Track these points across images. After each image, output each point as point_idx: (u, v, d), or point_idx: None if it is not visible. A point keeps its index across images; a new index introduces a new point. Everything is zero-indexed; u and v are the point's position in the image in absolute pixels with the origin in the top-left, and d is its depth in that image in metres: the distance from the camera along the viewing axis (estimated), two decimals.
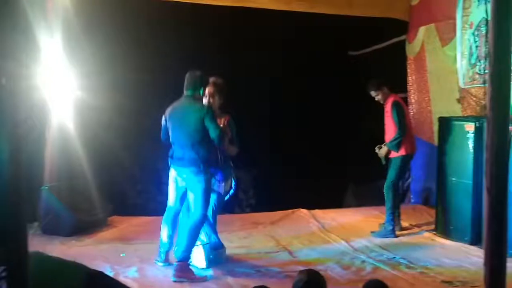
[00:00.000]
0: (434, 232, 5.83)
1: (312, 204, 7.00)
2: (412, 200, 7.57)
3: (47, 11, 5.88)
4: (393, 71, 7.04)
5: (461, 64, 6.40)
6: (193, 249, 4.55)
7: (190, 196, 4.56)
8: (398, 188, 6.01)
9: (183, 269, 4.40)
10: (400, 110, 5.78)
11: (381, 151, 5.87)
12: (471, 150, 5.35)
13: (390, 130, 5.83)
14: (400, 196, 6.39)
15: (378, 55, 7.64)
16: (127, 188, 7.15)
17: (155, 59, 6.71)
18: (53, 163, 6.11)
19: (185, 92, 4.59)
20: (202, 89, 4.60)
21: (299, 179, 7.45)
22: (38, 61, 5.53)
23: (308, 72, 7.59)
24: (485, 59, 5.72)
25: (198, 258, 4.69)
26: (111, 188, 6.63)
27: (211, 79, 4.75)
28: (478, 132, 5.27)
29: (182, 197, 4.71)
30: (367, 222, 6.38)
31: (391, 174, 5.82)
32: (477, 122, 5.33)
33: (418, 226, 6.21)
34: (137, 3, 6.69)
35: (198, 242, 4.66)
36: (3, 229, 1.95)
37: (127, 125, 6.65)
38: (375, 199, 6.89)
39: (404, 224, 6.14)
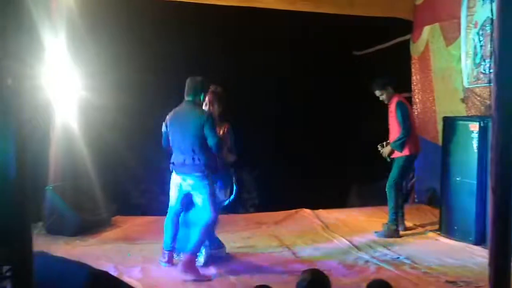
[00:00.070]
0: (438, 232, 5.82)
1: (315, 204, 7.00)
2: (416, 200, 7.55)
3: (52, 11, 5.89)
4: (397, 71, 7.02)
5: (466, 64, 6.38)
6: (202, 247, 4.61)
7: (198, 200, 4.60)
8: (401, 188, 5.99)
9: (190, 265, 4.44)
10: (404, 110, 5.77)
11: (385, 150, 5.85)
12: (476, 150, 5.33)
13: (394, 130, 5.82)
14: (404, 196, 6.37)
15: (382, 55, 7.62)
16: (130, 188, 7.17)
17: (160, 59, 6.72)
18: (58, 163, 6.12)
19: (186, 98, 4.64)
20: (202, 94, 4.66)
21: (303, 179, 7.45)
22: (43, 61, 5.55)
23: (312, 72, 7.58)
24: (490, 59, 5.70)
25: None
26: (115, 188, 6.64)
27: (211, 88, 4.81)
28: (482, 131, 5.26)
29: (183, 199, 4.76)
30: (371, 222, 6.37)
31: (394, 173, 5.80)
32: (481, 122, 5.31)
33: (422, 226, 6.20)
34: (142, 3, 6.70)
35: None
36: (8, 229, 1.96)
37: (131, 125, 6.66)
38: (378, 199, 6.86)
39: (408, 224, 6.13)
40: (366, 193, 7.75)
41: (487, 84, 5.84)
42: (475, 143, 5.34)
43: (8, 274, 1.96)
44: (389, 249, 5.27)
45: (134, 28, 6.61)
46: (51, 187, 5.85)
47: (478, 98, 6.20)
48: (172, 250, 4.77)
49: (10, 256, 1.95)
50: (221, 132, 4.76)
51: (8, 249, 1.96)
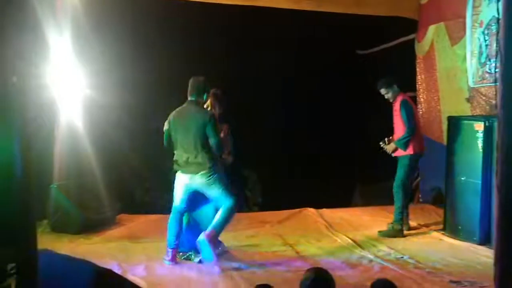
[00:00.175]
0: (443, 232, 5.81)
1: (319, 203, 6.99)
2: (421, 200, 7.54)
3: (56, 10, 5.90)
4: (402, 70, 7.01)
5: (471, 63, 6.36)
6: (223, 229, 4.75)
7: (213, 193, 4.71)
8: (408, 188, 5.99)
9: (213, 238, 4.62)
10: (409, 109, 5.76)
11: (389, 147, 5.84)
12: (480, 150, 5.31)
13: (399, 129, 5.81)
14: (408, 196, 6.36)
15: (387, 54, 7.61)
16: (135, 186, 7.18)
17: (164, 58, 6.72)
18: (62, 161, 6.14)
19: (189, 97, 4.75)
20: (205, 94, 4.78)
21: (307, 178, 7.44)
22: (47, 60, 5.56)
23: (316, 72, 7.57)
24: (496, 58, 5.68)
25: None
26: (119, 186, 6.66)
27: (211, 90, 4.92)
28: (487, 131, 5.24)
29: (189, 198, 4.80)
30: (375, 221, 6.36)
31: (400, 173, 5.79)
32: (486, 122, 5.30)
33: (426, 225, 6.18)
34: (146, 2, 6.70)
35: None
36: (13, 227, 1.96)
37: (135, 124, 6.67)
38: (382, 199, 6.86)
39: (413, 223, 6.11)
40: (370, 193, 7.74)
41: (493, 84, 5.81)
42: (480, 143, 5.32)
43: (13, 272, 1.97)
44: (393, 249, 5.26)
45: (138, 27, 6.62)
46: (55, 185, 5.87)
47: (483, 98, 6.17)
48: (175, 248, 4.79)
49: (15, 254, 1.96)
50: (221, 134, 4.84)
51: (13, 247, 1.96)
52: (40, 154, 5.48)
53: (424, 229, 6.07)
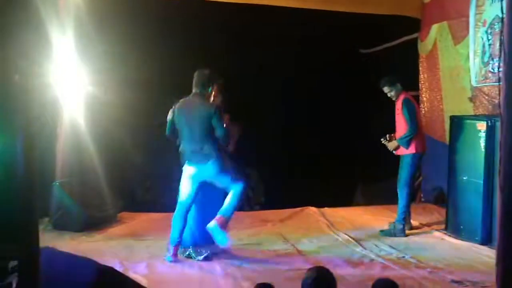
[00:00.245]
0: (444, 232, 5.80)
1: (321, 202, 6.99)
2: (423, 199, 7.53)
3: (59, 9, 5.91)
4: (405, 69, 6.99)
5: (474, 63, 6.35)
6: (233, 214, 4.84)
7: (223, 181, 4.80)
8: (411, 187, 5.98)
9: (224, 223, 4.70)
10: (411, 108, 5.75)
11: (390, 144, 5.84)
12: (483, 149, 5.30)
13: (401, 128, 5.80)
14: (411, 195, 6.36)
15: (390, 53, 7.59)
16: (137, 184, 7.18)
17: (166, 56, 6.72)
18: (65, 159, 6.15)
19: (194, 90, 4.81)
20: (210, 87, 4.83)
21: (309, 177, 7.43)
22: (50, 59, 5.57)
23: (318, 70, 7.55)
24: (499, 57, 5.67)
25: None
26: (121, 184, 6.66)
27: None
28: (490, 131, 5.23)
29: (196, 193, 4.83)
30: (377, 220, 6.36)
31: (403, 173, 5.78)
32: (489, 121, 5.29)
33: (428, 225, 6.17)
34: (148, 0, 6.70)
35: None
36: (15, 225, 1.97)
37: (138, 122, 6.67)
38: (384, 198, 6.86)
39: (414, 223, 6.11)
40: (371, 192, 7.73)
41: (496, 83, 5.80)
42: (482, 143, 5.31)
43: (15, 269, 1.97)
44: (395, 248, 5.26)
45: (140, 26, 6.61)
46: (58, 183, 5.88)
47: (486, 97, 6.16)
48: (178, 245, 4.80)
49: (17, 252, 1.96)
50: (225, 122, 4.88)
51: (15, 245, 1.97)
52: (43, 152, 5.50)
53: (426, 228, 6.06)
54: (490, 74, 6.08)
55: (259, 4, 6.79)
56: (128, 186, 6.96)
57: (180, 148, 4.85)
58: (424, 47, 7.52)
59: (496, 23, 5.87)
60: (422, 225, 6.16)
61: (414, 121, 5.71)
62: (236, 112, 5.12)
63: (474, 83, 6.39)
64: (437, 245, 5.46)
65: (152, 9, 6.64)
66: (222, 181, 4.81)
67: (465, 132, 5.59)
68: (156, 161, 6.82)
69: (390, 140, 5.85)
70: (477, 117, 5.74)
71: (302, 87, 7.58)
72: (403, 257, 5.01)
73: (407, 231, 5.78)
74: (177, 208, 4.86)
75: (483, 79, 6.23)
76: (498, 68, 5.75)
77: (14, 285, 1.98)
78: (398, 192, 5.79)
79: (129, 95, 6.41)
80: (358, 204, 7.54)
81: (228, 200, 4.79)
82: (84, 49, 6.08)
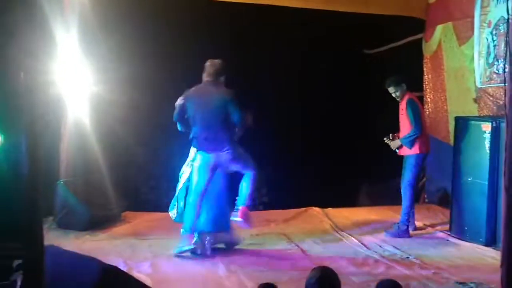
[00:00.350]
0: (449, 233, 5.78)
1: (325, 202, 6.98)
2: (427, 200, 7.51)
3: (64, 6, 5.92)
4: (409, 70, 6.97)
5: (479, 63, 6.33)
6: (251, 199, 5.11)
7: (237, 167, 4.96)
8: (415, 188, 5.98)
9: (246, 214, 4.97)
10: (416, 108, 5.74)
11: (393, 143, 5.83)
12: (488, 150, 5.29)
13: (405, 128, 5.79)
14: (415, 196, 6.34)
15: (394, 54, 7.57)
16: (141, 184, 7.19)
17: (172, 55, 6.71)
18: (69, 158, 6.16)
19: (207, 78, 4.88)
20: (223, 76, 4.92)
21: (313, 177, 7.42)
22: (55, 57, 5.58)
23: (323, 71, 7.53)
24: (504, 59, 5.65)
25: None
26: (125, 183, 6.67)
27: None
28: (495, 132, 5.22)
29: (210, 179, 4.92)
30: (380, 221, 6.35)
31: (407, 174, 5.77)
32: (494, 122, 5.27)
33: (432, 226, 6.16)
34: None
35: None
36: (20, 224, 1.97)
37: (142, 121, 6.67)
38: (388, 199, 6.84)
39: (418, 224, 6.09)
40: (375, 193, 7.71)
41: (500, 84, 5.78)
42: (487, 144, 5.30)
43: (19, 267, 1.98)
44: (399, 249, 5.25)
45: (146, 24, 6.61)
46: (62, 182, 5.89)
47: (491, 98, 6.14)
48: (193, 233, 4.86)
49: (21, 251, 1.97)
50: None
51: (19, 244, 1.97)
52: (48, 151, 5.50)
53: (430, 229, 6.05)
54: (495, 75, 6.06)
55: (265, 4, 6.79)
56: (132, 185, 6.96)
57: (192, 134, 4.89)
58: (428, 48, 7.50)
59: (501, 24, 5.86)
60: (426, 226, 6.15)
61: (418, 121, 5.70)
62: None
63: (478, 84, 6.37)
64: (441, 246, 5.44)
65: (157, 8, 6.64)
66: (235, 168, 4.96)
67: (470, 133, 5.58)
68: (160, 160, 6.82)
69: (393, 139, 5.85)
70: (482, 118, 5.73)
71: (306, 87, 7.57)
72: (407, 257, 5.00)
73: (411, 232, 5.77)
74: (192, 197, 4.89)
75: (488, 80, 6.21)
76: (503, 69, 5.72)
77: (19, 283, 1.99)
78: (402, 193, 5.78)
79: (134, 94, 6.40)
80: (362, 205, 7.53)
81: (244, 190, 4.95)
82: (89, 47, 6.08)
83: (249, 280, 4.30)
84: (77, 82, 6.09)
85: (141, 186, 7.15)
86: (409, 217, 5.77)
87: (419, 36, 7.66)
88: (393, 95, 5.83)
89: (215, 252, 5.01)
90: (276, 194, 7.52)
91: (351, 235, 5.73)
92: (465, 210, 5.59)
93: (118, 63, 6.27)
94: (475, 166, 5.47)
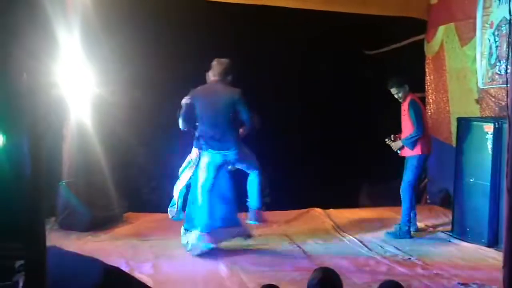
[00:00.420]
0: (450, 234, 5.78)
1: (326, 203, 6.97)
2: (429, 201, 7.50)
3: (67, 8, 5.93)
4: (411, 71, 6.97)
5: (481, 64, 6.32)
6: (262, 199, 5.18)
7: (243, 166, 5.04)
8: (416, 189, 5.97)
9: (260, 215, 5.14)
10: (418, 110, 5.74)
11: (394, 144, 5.83)
12: (490, 151, 5.29)
13: (407, 129, 5.79)
14: (416, 197, 6.34)
15: (396, 54, 7.56)
16: (142, 184, 7.19)
17: (174, 57, 6.71)
18: (71, 159, 6.17)
19: (214, 78, 4.90)
20: (230, 75, 4.94)
21: (314, 178, 7.41)
22: (57, 58, 5.58)
23: (323, 72, 7.53)
24: (506, 59, 5.64)
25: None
26: (127, 184, 6.67)
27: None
28: (497, 133, 5.22)
29: (216, 178, 4.95)
30: (382, 222, 6.34)
31: (408, 175, 5.77)
32: (496, 123, 5.27)
33: (434, 227, 6.16)
34: (156, 0, 6.71)
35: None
36: (22, 225, 1.97)
37: (144, 122, 6.67)
38: (390, 199, 6.83)
39: (420, 225, 6.09)
40: (377, 193, 7.70)
41: (503, 85, 5.78)
42: (489, 144, 5.29)
43: (21, 268, 1.98)
44: (401, 250, 5.25)
45: (148, 25, 6.61)
46: (64, 183, 5.90)
47: (493, 99, 6.14)
48: (210, 230, 4.89)
49: (23, 251, 1.97)
50: None
51: (21, 244, 1.98)
52: (50, 152, 5.51)
53: (431, 230, 6.05)
54: (497, 76, 6.06)
55: (265, 5, 6.79)
56: (134, 186, 6.96)
57: (198, 133, 4.90)
58: (430, 49, 7.49)
59: (503, 25, 5.85)
60: (428, 227, 6.14)
61: (420, 122, 5.69)
62: None
63: (480, 85, 6.36)
64: (443, 247, 5.44)
65: (158, 8, 6.65)
66: (241, 166, 5.02)
67: (472, 134, 5.57)
68: (162, 161, 6.82)
69: (394, 140, 5.85)
70: (484, 119, 5.72)
71: (307, 88, 7.56)
72: (409, 258, 4.99)
73: (413, 233, 5.76)
74: (202, 195, 4.89)
75: (490, 81, 6.20)
76: (505, 70, 5.73)
77: (20, 284, 1.99)
78: (403, 194, 5.78)
79: (136, 96, 6.42)
80: (364, 206, 7.52)
81: (252, 192, 5.05)
82: (91, 49, 6.09)
83: (250, 281, 4.30)
84: (79, 83, 6.10)
85: (142, 187, 7.15)
86: (410, 218, 5.77)
87: (421, 37, 7.65)
88: (396, 96, 5.82)
89: (217, 252, 5.01)
90: (276, 195, 7.51)
91: (353, 236, 5.73)
92: (467, 211, 5.58)
93: (120, 64, 6.28)
94: (477, 167, 5.47)
